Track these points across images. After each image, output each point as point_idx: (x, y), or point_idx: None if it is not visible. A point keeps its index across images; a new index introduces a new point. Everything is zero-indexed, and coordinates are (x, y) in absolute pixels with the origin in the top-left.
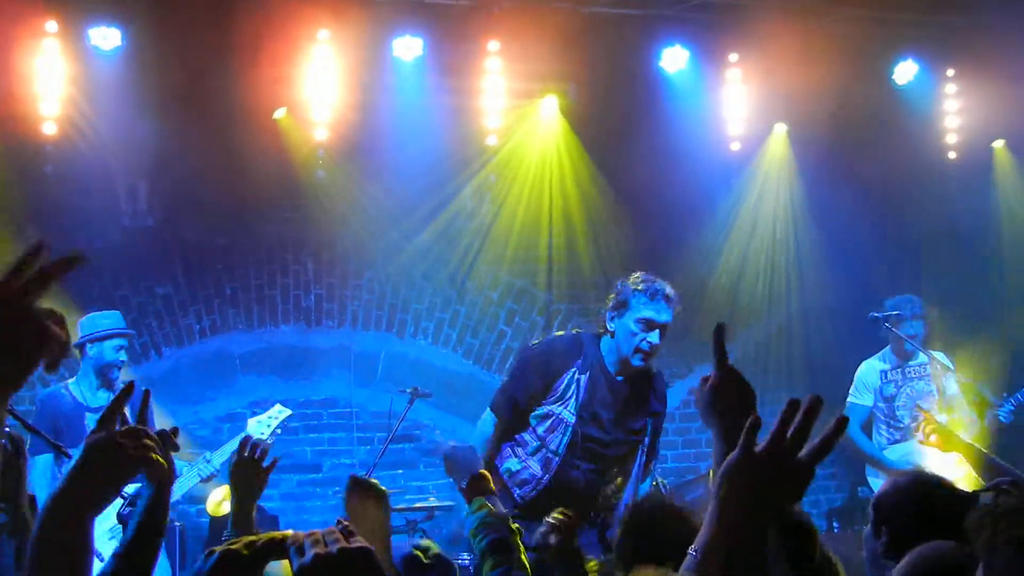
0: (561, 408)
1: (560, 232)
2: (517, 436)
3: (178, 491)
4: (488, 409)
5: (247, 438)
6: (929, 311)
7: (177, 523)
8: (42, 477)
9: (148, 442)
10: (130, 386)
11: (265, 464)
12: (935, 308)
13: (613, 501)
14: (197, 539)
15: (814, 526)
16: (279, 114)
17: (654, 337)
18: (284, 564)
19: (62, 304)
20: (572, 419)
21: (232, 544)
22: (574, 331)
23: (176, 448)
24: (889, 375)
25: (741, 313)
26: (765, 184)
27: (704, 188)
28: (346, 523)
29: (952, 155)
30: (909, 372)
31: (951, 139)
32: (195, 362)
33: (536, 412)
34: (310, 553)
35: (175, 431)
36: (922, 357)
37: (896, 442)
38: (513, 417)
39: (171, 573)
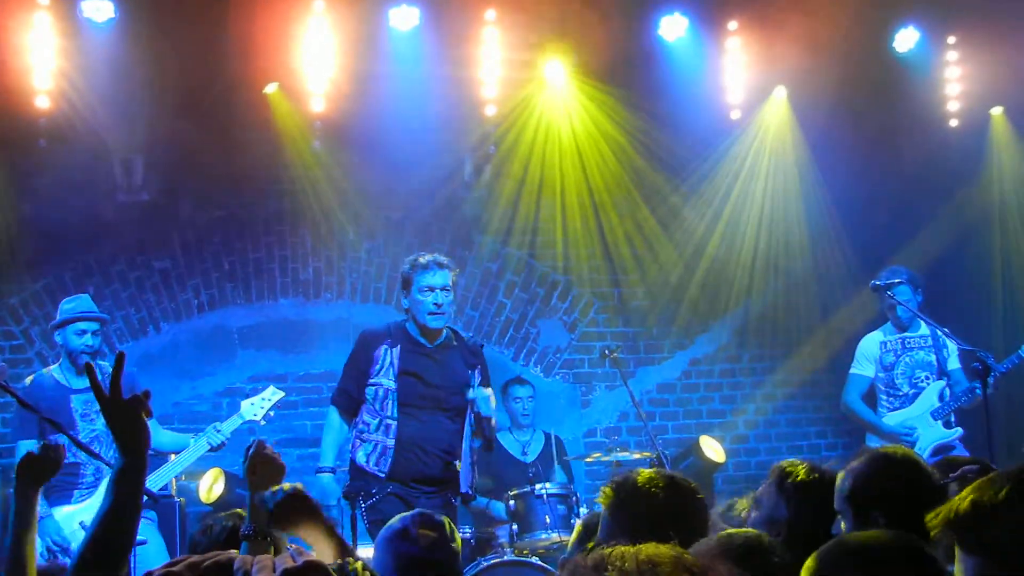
0: (384, 379)
1: (560, 203)
2: (359, 425)
3: (189, 459)
4: (331, 406)
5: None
6: (918, 282)
7: (177, 498)
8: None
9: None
10: (122, 355)
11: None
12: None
13: (459, 438)
14: (197, 516)
15: None
16: (270, 89)
17: (438, 297)
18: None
19: (58, 282)
20: (393, 384)
21: (173, 567)
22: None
23: (150, 413)
24: (888, 344)
25: (740, 282)
26: (763, 147)
27: (703, 156)
28: (296, 546)
29: (954, 122)
30: (909, 342)
31: (952, 106)
32: (194, 337)
33: (367, 390)
34: None
35: (147, 394)
36: (924, 328)
37: (895, 409)
38: (353, 404)
39: (165, 549)
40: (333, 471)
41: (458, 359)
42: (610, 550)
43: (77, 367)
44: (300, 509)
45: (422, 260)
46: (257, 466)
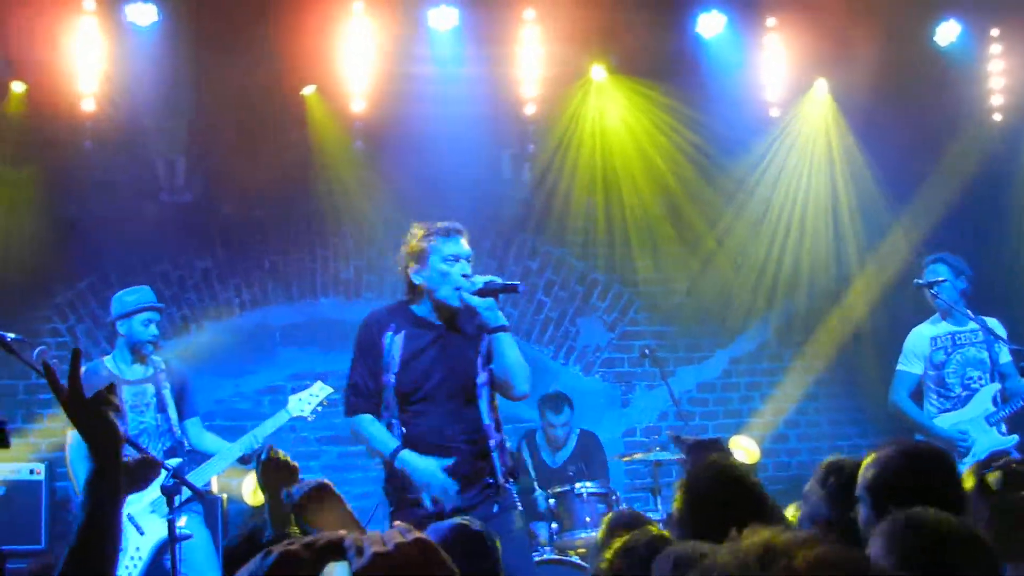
0: (388, 374)
1: (601, 202)
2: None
3: (227, 462)
4: (352, 418)
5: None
6: (961, 272)
7: (220, 495)
8: (78, 451)
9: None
10: (76, 352)
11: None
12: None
13: (482, 424)
14: (239, 512)
15: None
16: (308, 91)
17: (464, 268)
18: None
19: (103, 281)
20: (393, 379)
21: (291, 544)
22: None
23: (117, 408)
24: (939, 341)
25: (784, 280)
26: (806, 143)
27: (744, 153)
28: (404, 523)
29: (997, 117)
30: (960, 338)
31: (996, 100)
32: (235, 336)
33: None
34: (368, 552)
35: (110, 388)
36: (972, 323)
37: (946, 411)
38: (372, 404)
39: (212, 543)
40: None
41: (468, 327)
42: (773, 539)
43: (138, 356)
44: (325, 501)
45: (439, 226)
46: (270, 471)
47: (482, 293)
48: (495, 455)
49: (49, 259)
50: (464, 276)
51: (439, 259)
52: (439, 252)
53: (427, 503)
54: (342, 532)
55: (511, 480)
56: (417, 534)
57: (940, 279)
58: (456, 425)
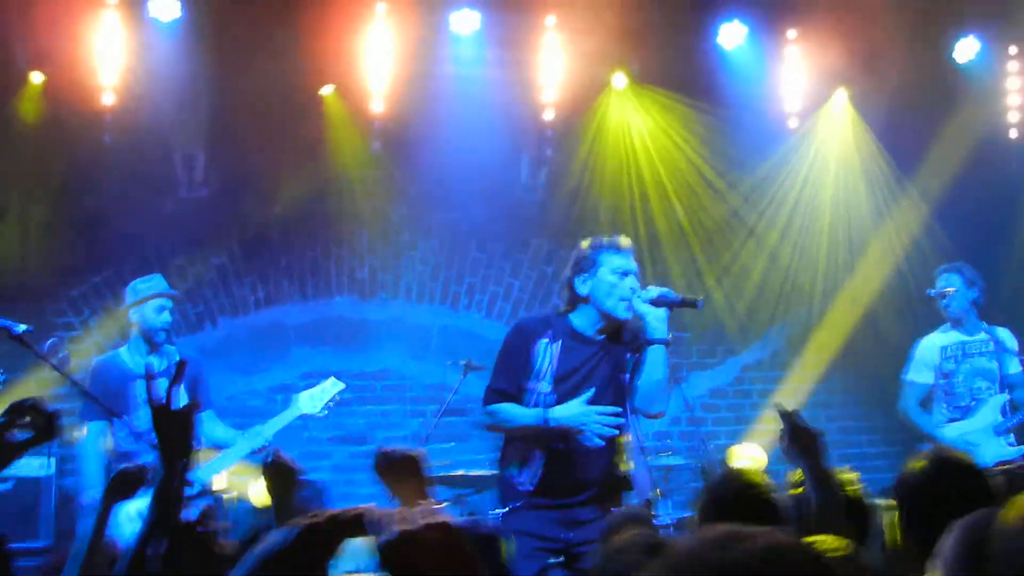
0: (538, 382)
1: (616, 208)
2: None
3: (235, 458)
4: (486, 408)
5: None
6: (973, 283)
7: (232, 491)
8: (92, 444)
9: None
10: (182, 364)
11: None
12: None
13: (623, 450)
14: (245, 511)
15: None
16: (326, 91)
17: (633, 283)
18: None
19: (118, 275)
20: (549, 388)
21: (315, 517)
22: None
23: (193, 424)
24: (948, 351)
25: (798, 289)
26: (823, 153)
27: (760, 164)
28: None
29: (1014, 133)
30: (969, 347)
31: (1013, 117)
32: (249, 332)
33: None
34: (396, 529)
35: (196, 405)
36: (982, 334)
37: (955, 420)
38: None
39: None
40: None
41: (621, 348)
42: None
43: (152, 345)
44: (411, 471)
45: (610, 240)
46: (275, 475)
47: (656, 303)
48: (639, 471)
49: (65, 252)
50: (631, 290)
51: (608, 271)
52: (609, 264)
53: (595, 441)
54: (369, 506)
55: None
56: (443, 517)
57: (950, 289)
58: (602, 450)
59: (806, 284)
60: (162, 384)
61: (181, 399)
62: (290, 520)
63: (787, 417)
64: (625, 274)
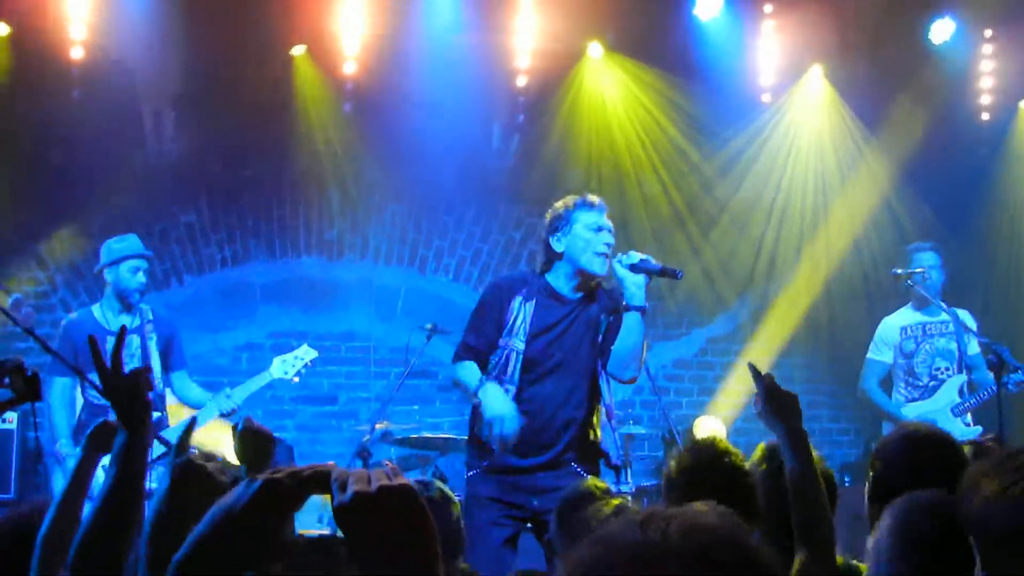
0: (515, 340)
1: (586, 176)
2: None
3: (202, 421)
4: (453, 365)
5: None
6: (936, 254)
7: (194, 449)
8: (60, 398)
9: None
10: (123, 330)
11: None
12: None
13: (589, 408)
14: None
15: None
16: (297, 52)
17: (607, 238)
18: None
19: (84, 231)
20: (522, 346)
21: (276, 472)
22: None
23: (151, 387)
24: (909, 331)
25: (763, 262)
26: (795, 128)
27: (734, 135)
28: (392, 465)
29: (985, 116)
30: (930, 329)
31: (985, 100)
32: (216, 291)
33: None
34: (351, 490)
35: (147, 369)
36: (944, 315)
37: (914, 400)
38: (479, 362)
39: None
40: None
41: (600, 303)
42: (660, 509)
43: (125, 305)
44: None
45: (586, 197)
46: (247, 441)
47: (635, 269)
48: (612, 434)
49: (31, 207)
50: (606, 244)
51: (582, 226)
52: (583, 220)
53: (491, 441)
54: (330, 464)
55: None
56: (402, 480)
57: (921, 269)
58: (568, 402)
59: (777, 258)
60: (134, 342)
61: (153, 359)
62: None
63: (761, 378)
64: (599, 229)
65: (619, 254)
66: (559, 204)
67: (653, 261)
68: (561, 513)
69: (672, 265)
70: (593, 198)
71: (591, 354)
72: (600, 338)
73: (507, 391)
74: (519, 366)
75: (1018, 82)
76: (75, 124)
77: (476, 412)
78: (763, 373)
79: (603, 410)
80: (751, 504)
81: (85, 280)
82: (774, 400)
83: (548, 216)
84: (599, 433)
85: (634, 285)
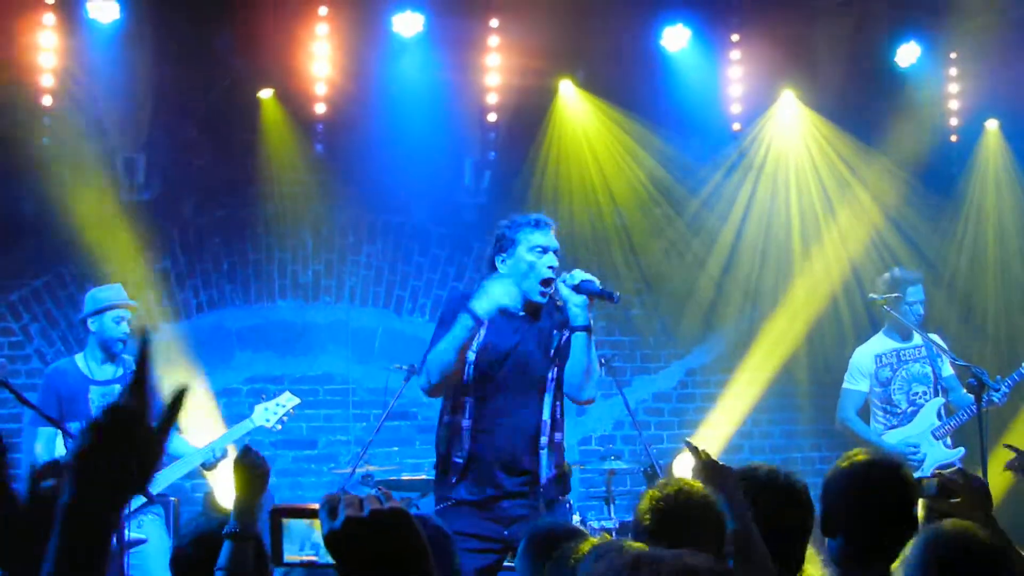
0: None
1: (559, 212)
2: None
3: (183, 470)
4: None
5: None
6: (922, 287)
7: (171, 498)
8: (45, 447)
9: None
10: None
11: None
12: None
13: (540, 419)
14: (191, 515)
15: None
16: (265, 95)
17: (552, 260)
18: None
19: (58, 280)
20: (473, 356)
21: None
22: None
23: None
24: (884, 359)
25: (741, 294)
26: (768, 156)
27: (705, 167)
28: (384, 490)
29: (953, 138)
30: (904, 355)
31: (953, 121)
32: (192, 337)
33: None
34: (343, 515)
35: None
36: (917, 339)
37: (893, 427)
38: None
39: (169, 548)
40: None
41: (547, 319)
42: (647, 550)
43: (109, 354)
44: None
45: (530, 216)
46: (244, 469)
47: (577, 290)
48: (543, 453)
49: (3, 256)
50: (550, 268)
51: (526, 248)
52: (527, 242)
53: (479, 313)
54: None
55: (557, 486)
56: (395, 503)
57: (893, 295)
58: (518, 416)
59: (755, 288)
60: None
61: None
62: (249, 518)
63: (697, 454)
64: (544, 251)
65: (563, 273)
66: (505, 222)
67: (595, 283)
68: (531, 554)
69: (615, 290)
70: (538, 216)
71: (540, 367)
72: (552, 352)
73: (461, 404)
74: (472, 378)
75: (983, 102)
76: (46, 172)
77: (439, 434)
78: (698, 448)
79: (546, 424)
80: (722, 543)
81: (59, 329)
82: (711, 477)
83: (495, 233)
84: (555, 451)
85: (575, 306)
